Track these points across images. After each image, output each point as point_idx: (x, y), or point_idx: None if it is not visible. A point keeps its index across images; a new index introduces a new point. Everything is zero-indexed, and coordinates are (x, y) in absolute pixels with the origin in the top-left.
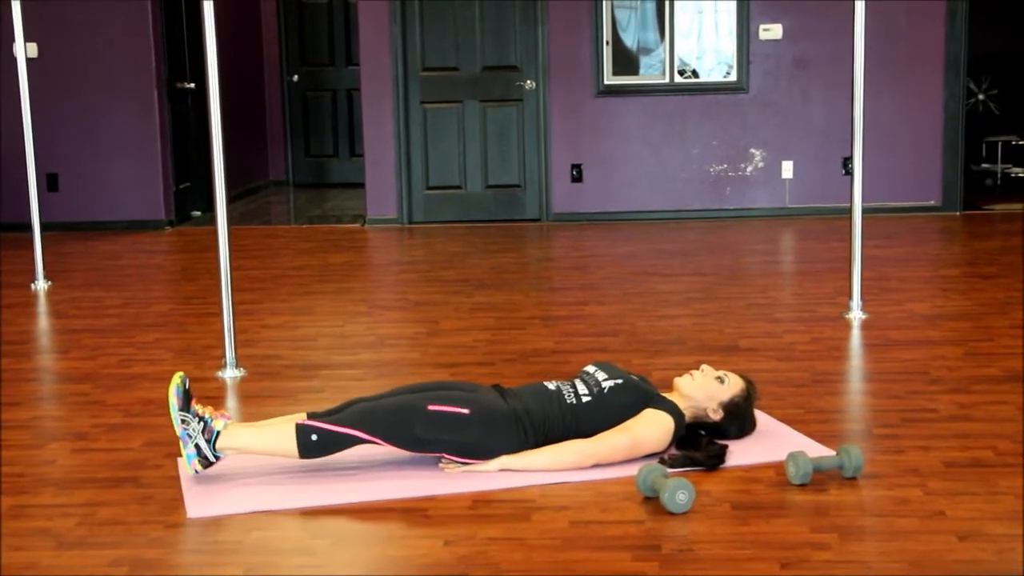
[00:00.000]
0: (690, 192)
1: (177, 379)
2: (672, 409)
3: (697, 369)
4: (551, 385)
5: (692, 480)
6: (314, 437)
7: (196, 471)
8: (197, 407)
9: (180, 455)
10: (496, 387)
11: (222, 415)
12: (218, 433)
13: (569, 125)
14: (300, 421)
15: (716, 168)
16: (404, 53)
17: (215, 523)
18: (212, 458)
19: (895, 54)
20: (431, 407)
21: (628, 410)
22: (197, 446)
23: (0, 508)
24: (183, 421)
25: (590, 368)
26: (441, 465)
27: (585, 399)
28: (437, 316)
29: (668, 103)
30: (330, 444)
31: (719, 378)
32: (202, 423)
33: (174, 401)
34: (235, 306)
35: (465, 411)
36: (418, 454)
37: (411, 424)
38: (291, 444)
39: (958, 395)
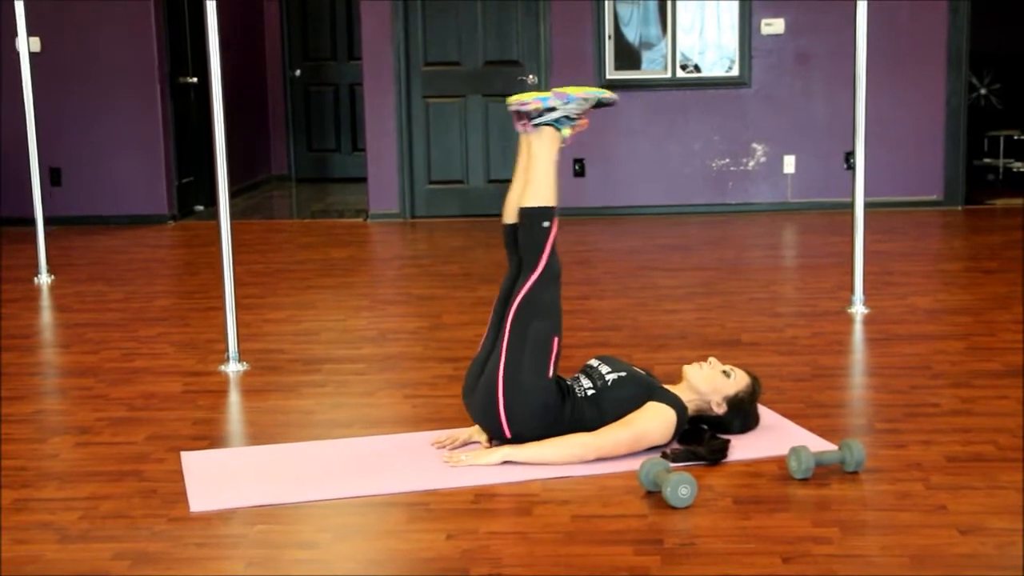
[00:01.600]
0: (692, 187)
1: (614, 96)
2: (675, 402)
3: (704, 361)
4: (568, 380)
5: (694, 474)
6: (545, 224)
7: (521, 105)
8: (585, 117)
9: (534, 95)
10: None
11: (571, 138)
12: (559, 128)
13: None
14: (555, 209)
15: (718, 163)
16: (406, 48)
17: (218, 517)
18: (538, 119)
19: (897, 49)
20: (555, 339)
21: (631, 403)
22: (552, 108)
23: (1, 503)
24: (584, 99)
25: (593, 362)
26: (445, 458)
27: (589, 392)
28: (439, 310)
29: (670, 98)
30: (535, 239)
31: (725, 372)
32: (575, 116)
33: (602, 95)
34: (238, 300)
35: (550, 373)
36: (506, 323)
37: (544, 318)
38: (542, 200)
39: (960, 389)
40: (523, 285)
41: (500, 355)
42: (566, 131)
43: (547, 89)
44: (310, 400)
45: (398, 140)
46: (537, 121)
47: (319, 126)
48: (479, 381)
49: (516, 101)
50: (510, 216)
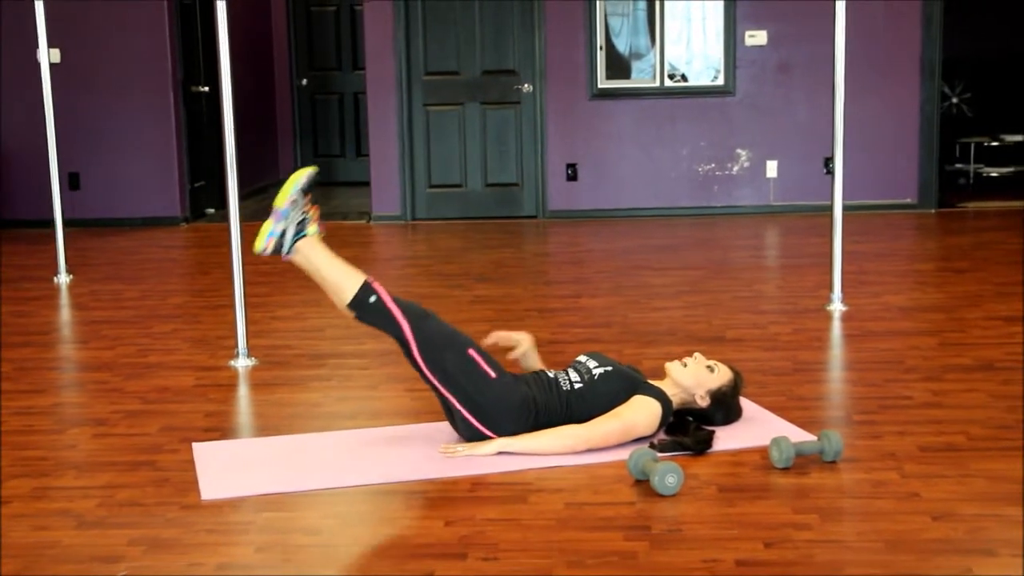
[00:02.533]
0: (680, 190)
1: (311, 170)
2: (660, 395)
3: (690, 356)
4: (550, 373)
5: (681, 464)
6: (372, 299)
7: (263, 250)
8: (308, 204)
9: (257, 236)
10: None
11: (320, 226)
12: (305, 235)
13: (564, 126)
14: (370, 279)
15: (704, 167)
16: (408, 58)
17: (228, 504)
18: (284, 250)
19: (874, 59)
20: (471, 351)
21: (617, 396)
22: (284, 231)
23: (1, 498)
24: (293, 201)
25: (582, 357)
26: (441, 450)
27: (577, 386)
28: (439, 308)
29: (659, 106)
30: (377, 315)
31: (709, 367)
32: (302, 218)
33: (301, 182)
34: (247, 298)
35: (493, 374)
36: (432, 382)
37: (448, 351)
38: (351, 289)
39: (932, 383)
40: (409, 346)
41: (451, 400)
42: (312, 229)
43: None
44: (316, 393)
45: (400, 146)
46: (287, 247)
47: (324, 132)
48: (455, 419)
49: (259, 249)
50: (349, 315)
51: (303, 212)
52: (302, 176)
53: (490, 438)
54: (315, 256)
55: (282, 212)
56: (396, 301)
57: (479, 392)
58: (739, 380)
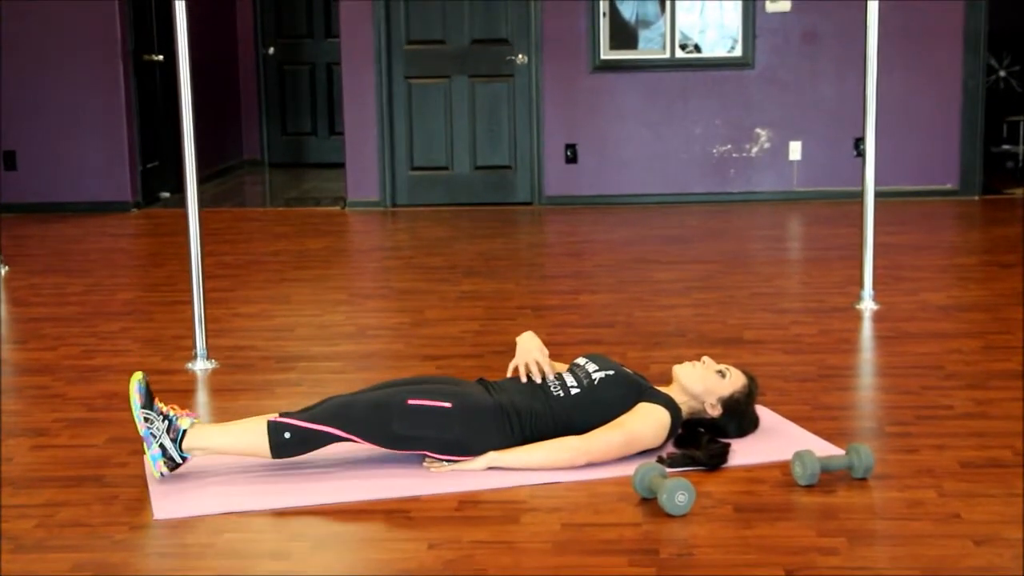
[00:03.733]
0: (691, 175)
1: (138, 376)
2: (668, 403)
3: (698, 360)
4: (536, 377)
5: (692, 480)
6: (287, 435)
7: (162, 474)
8: (161, 405)
9: (147, 463)
10: (480, 381)
11: (188, 413)
12: (184, 432)
13: (563, 103)
14: (272, 418)
15: (719, 149)
16: (387, 25)
17: (184, 525)
18: (178, 459)
19: (911, 28)
20: (411, 401)
21: (620, 404)
22: (162, 446)
23: None
24: (146, 419)
25: (580, 360)
26: (425, 464)
27: (574, 391)
28: (422, 305)
29: (669, 80)
30: (304, 442)
31: (720, 372)
32: (167, 421)
33: (136, 399)
34: (206, 294)
35: (447, 405)
36: (400, 452)
37: (389, 420)
38: (263, 443)
39: (975, 391)
40: (353, 440)
41: (425, 452)
42: (185, 423)
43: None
44: (283, 400)
45: (378, 123)
46: (178, 455)
47: (294, 108)
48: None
49: (162, 475)
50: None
51: (163, 417)
52: (134, 396)
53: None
54: (209, 441)
55: (146, 435)
56: (310, 414)
57: (444, 431)
58: (754, 386)
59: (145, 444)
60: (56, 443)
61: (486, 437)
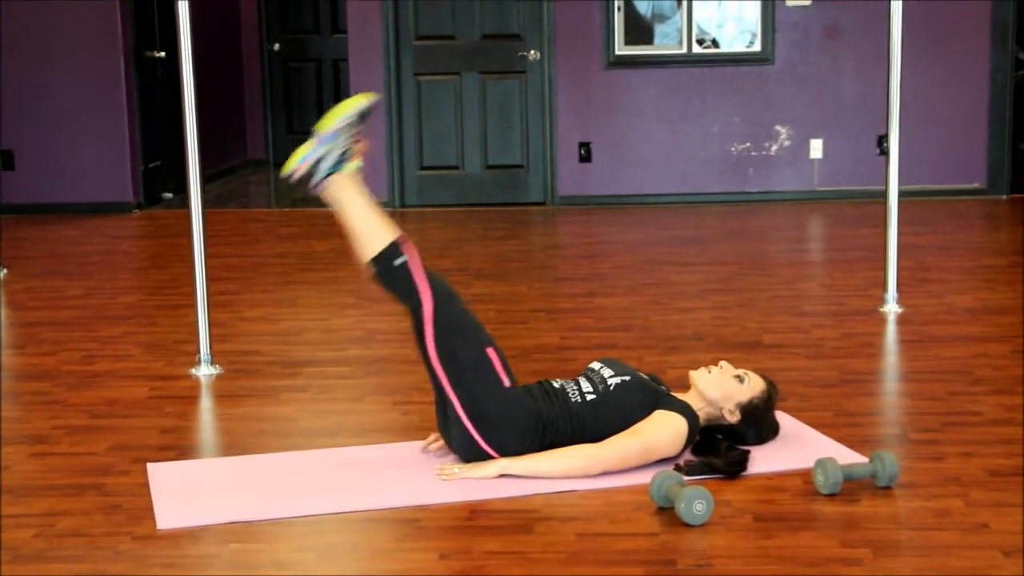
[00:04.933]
0: (709, 174)
1: (373, 96)
2: (685, 410)
3: (715, 365)
4: (556, 383)
5: (711, 489)
6: (398, 261)
7: (292, 173)
8: (358, 136)
9: (291, 158)
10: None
11: (361, 162)
12: (343, 168)
13: (577, 100)
14: (404, 238)
15: (738, 147)
16: (396, 20)
17: (188, 535)
18: (318, 178)
19: (936, 21)
20: (490, 350)
21: (636, 410)
22: (321, 158)
23: None
24: (343, 128)
25: (595, 365)
26: (437, 471)
27: (590, 397)
28: None
29: (685, 75)
30: (399, 279)
31: (738, 377)
32: (345, 149)
33: (355, 108)
34: (210, 297)
35: (506, 381)
36: (437, 373)
37: (465, 341)
38: (378, 243)
39: (1003, 397)
40: (423, 324)
41: (452, 400)
42: (353, 165)
43: (294, 154)
44: (290, 407)
45: (386, 122)
46: (319, 177)
47: (300, 106)
48: (449, 424)
49: (288, 172)
50: (365, 273)
51: (348, 143)
52: (360, 101)
53: (488, 455)
54: (347, 196)
55: (326, 136)
56: (425, 271)
57: (486, 397)
58: (773, 391)
59: (316, 140)
60: (56, 451)
61: (511, 435)
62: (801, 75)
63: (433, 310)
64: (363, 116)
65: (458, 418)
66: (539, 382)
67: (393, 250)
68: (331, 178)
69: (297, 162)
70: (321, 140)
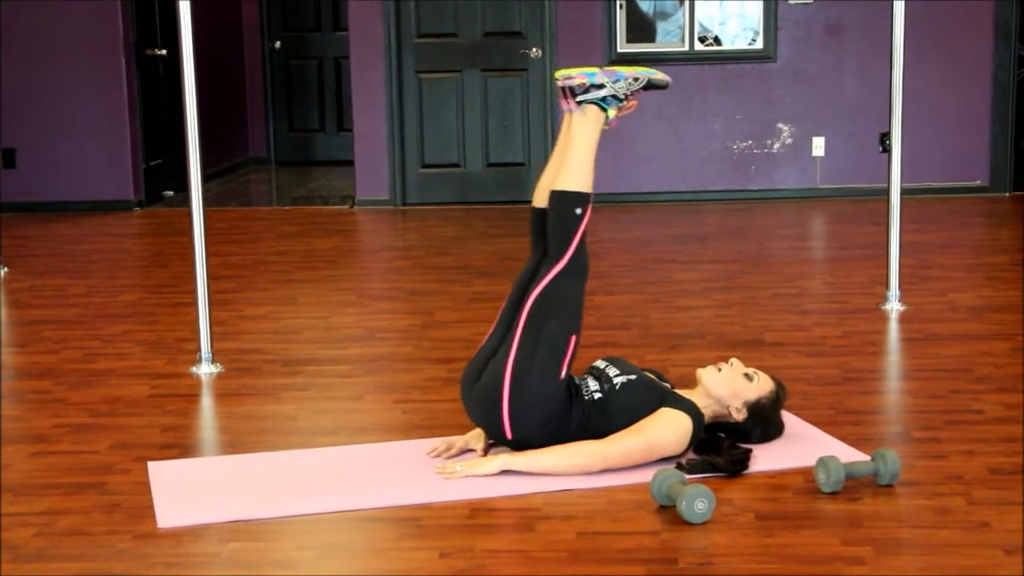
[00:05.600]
0: (711, 171)
1: (666, 78)
2: (690, 408)
3: (725, 362)
4: (576, 380)
5: (712, 487)
6: (579, 210)
7: (567, 79)
8: (635, 97)
9: (582, 68)
10: None
11: (616, 120)
12: (604, 108)
13: None
14: (592, 197)
15: (740, 145)
16: (397, 17)
17: (188, 533)
18: (579, 98)
19: (938, 18)
20: (573, 338)
21: (641, 409)
22: (600, 85)
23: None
24: (635, 79)
25: (600, 363)
26: (438, 469)
27: (596, 396)
28: (433, 307)
29: (687, 73)
30: (564, 225)
31: (747, 375)
32: (621, 96)
33: (653, 75)
34: (211, 295)
35: (562, 375)
36: (520, 315)
37: (562, 315)
38: (578, 184)
39: (1006, 395)
40: (544, 276)
41: (510, 351)
42: (612, 112)
43: (576, 66)
44: (290, 405)
45: (388, 119)
46: (582, 98)
47: (301, 104)
48: (481, 376)
49: (562, 75)
50: (540, 199)
51: (625, 94)
52: (658, 75)
53: (501, 426)
54: (586, 129)
55: (618, 75)
56: (583, 237)
57: (538, 371)
58: (781, 392)
59: (605, 72)
60: (57, 449)
61: (533, 421)
62: (803, 73)
63: (559, 273)
64: (650, 86)
65: (497, 377)
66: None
67: (582, 199)
68: (589, 107)
69: (579, 73)
70: (608, 74)
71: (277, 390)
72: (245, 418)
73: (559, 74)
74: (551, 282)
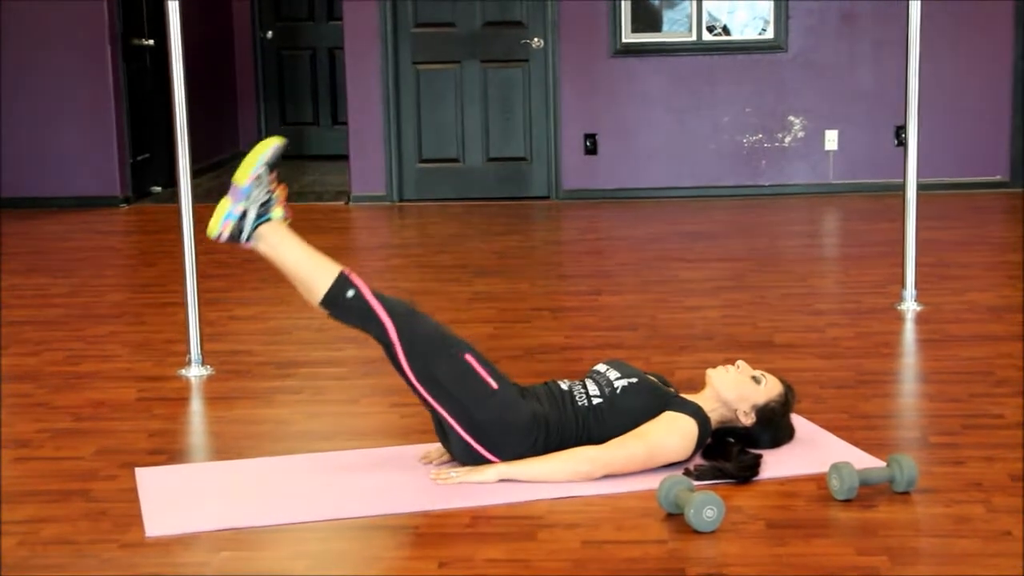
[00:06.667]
0: (720, 166)
1: (278, 141)
2: (696, 412)
3: (732, 364)
4: (564, 385)
5: (721, 494)
6: (350, 293)
7: (218, 235)
8: (274, 183)
9: (211, 217)
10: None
11: (286, 208)
12: (269, 219)
13: (582, 89)
14: (346, 271)
15: (750, 139)
16: (394, 6)
17: (177, 542)
18: (245, 235)
19: (956, 7)
20: (468, 357)
21: (643, 413)
22: (245, 212)
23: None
24: (257, 178)
25: (601, 367)
26: (432, 475)
27: (596, 401)
28: (431, 307)
29: (695, 64)
30: (357, 312)
31: (755, 378)
32: (268, 197)
33: (266, 154)
34: (200, 295)
35: (493, 385)
36: (421, 395)
37: (439, 356)
38: (325, 283)
39: None
40: (394, 348)
41: (444, 416)
42: (277, 213)
43: (214, 215)
44: (283, 409)
45: (384, 112)
46: (247, 233)
47: (294, 96)
48: (448, 436)
49: (215, 236)
50: (320, 314)
51: (268, 191)
52: (268, 148)
53: (491, 462)
54: (281, 244)
55: (243, 190)
56: (378, 296)
57: (477, 407)
58: (791, 395)
59: (233, 197)
60: (40, 455)
61: (511, 439)
62: (816, 63)
63: (398, 333)
64: (273, 163)
65: (455, 432)
66: (546, 383)
67: (342, 284)
68: (259, 231)
69: (221, 221)
70: (238, 195)
71: (269, 393)
72: (236, 422)
73: (211, 235)
74: (401, 346)
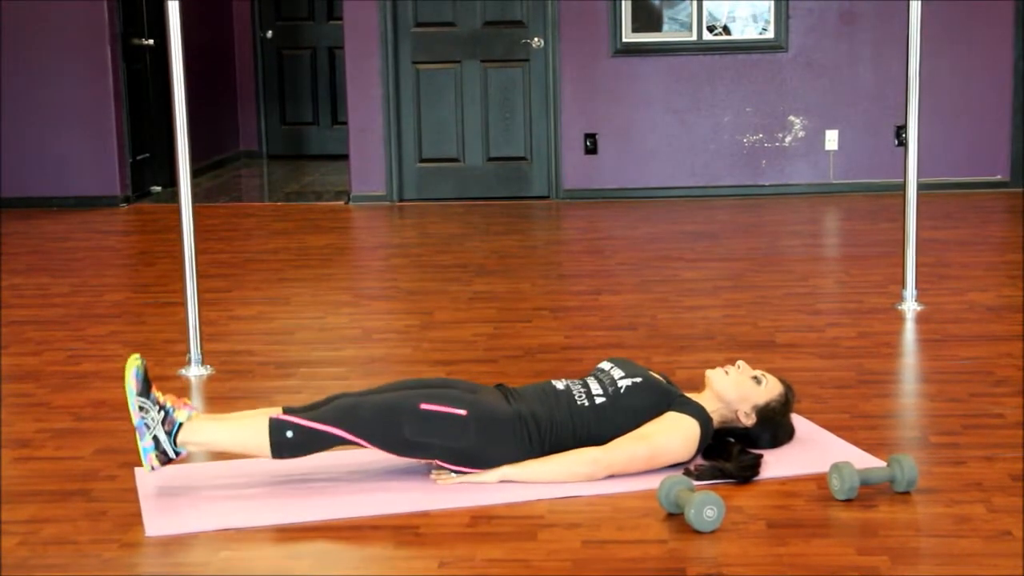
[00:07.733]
0: (720, 166)
1: (135, 361)
2: (698, 412)
3: (732, 365)
4: (559, 384)
5: (722, 494)
6: (289, 434)
7: (152, 467)
8: (158, 394)
9: (136, 451)
10: (499, 387)
11: (186, 405)
12: (180, 425)
13: (582, 89)
14: (274, 415)
15: (750, 139)
16: (394, 6)
17: (177, 542)
18: (172, 453)
19: (957, 6)
20: (424, 405)
21: (647, 413)
22: (155, 438)
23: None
24: (141, 408)
25: (605, 365)
26: (433, 476)
27: (599, 400)
28: (431, 307)
29: (696, 64)
30: (307, 443)
31: (755, 378)
32: (163, 413)
33: (132, 385)
34: (201, 295)
35: (461, 412)
36: (408, 459)
37: (399, 424)
38: (263, 441)
39: None
40: (361, 444)
41: (437, 462)
42: (182, 415)
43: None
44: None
45: (384, 112)
46: (171, 450)
47: (294, 96)
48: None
49: (151, 470)
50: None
51: (159, 408)
52: (130, 380)
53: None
54: (206, 437)
55: (139, 425)
56: (315, 413)
57: (458, 440)
58: (791, 394)
59: (137, 434)
60: (40, 455)
61: (502, 448)
62: (816, 63)
63: (354, 433)
64: (144, 387)
65: (449, 469)
66: (539, 383)
67: (278, 430)
68: (180, 439)
69: (145, 458)
70: (140, 431)
71: (270, 393)
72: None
73: (148, 472)
74: (366, 440)
